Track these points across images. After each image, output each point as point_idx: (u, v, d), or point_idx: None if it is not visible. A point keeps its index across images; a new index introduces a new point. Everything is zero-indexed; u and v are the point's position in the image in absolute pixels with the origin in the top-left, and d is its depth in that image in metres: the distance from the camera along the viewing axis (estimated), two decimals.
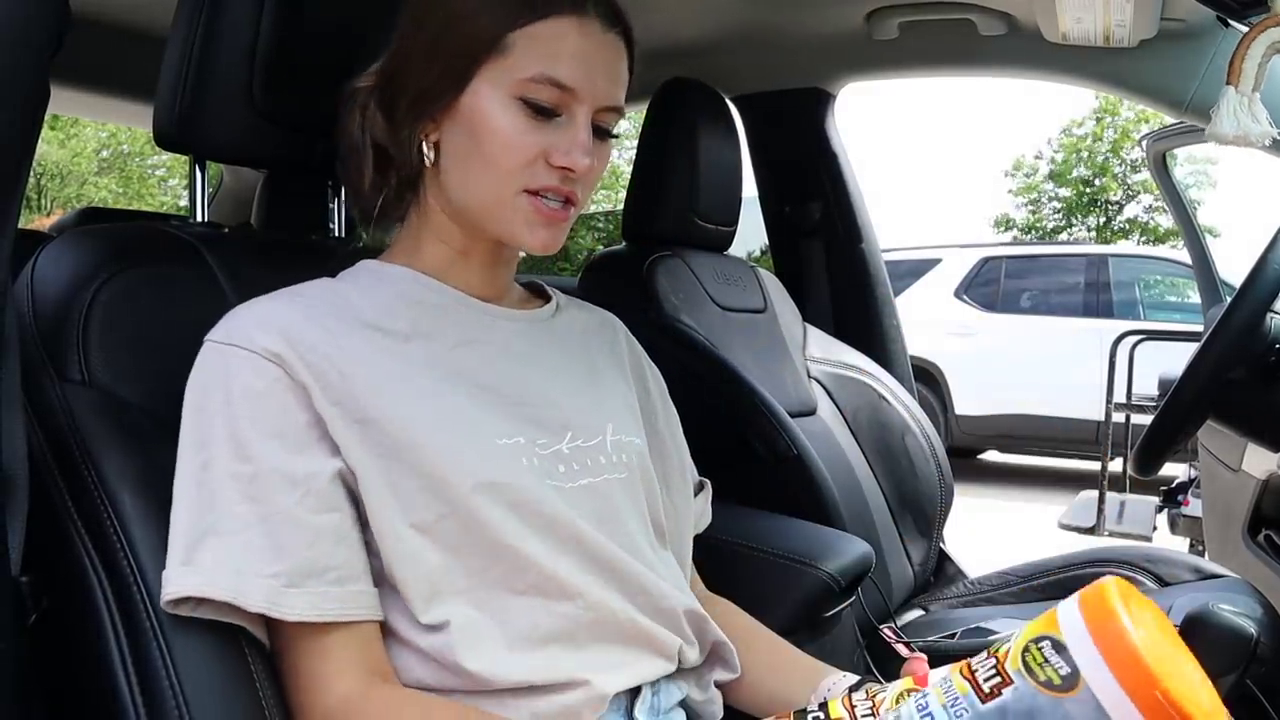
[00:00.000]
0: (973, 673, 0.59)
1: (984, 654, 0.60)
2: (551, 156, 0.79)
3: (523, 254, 0.91)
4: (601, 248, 1.93)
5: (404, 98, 0.81)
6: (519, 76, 0.78)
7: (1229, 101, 1.13)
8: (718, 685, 0.93)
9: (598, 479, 0.84)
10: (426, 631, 0.75)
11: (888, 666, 1.46)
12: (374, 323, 0.80)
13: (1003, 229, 17.93)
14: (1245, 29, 1.25)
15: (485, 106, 0.78)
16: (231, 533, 0.70)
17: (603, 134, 0.83)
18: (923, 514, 1.80)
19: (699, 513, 1.03)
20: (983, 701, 0.57)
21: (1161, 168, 2.57)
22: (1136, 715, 0.51)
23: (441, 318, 0.84)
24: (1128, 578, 1.63)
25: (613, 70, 0.81)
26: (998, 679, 0.57)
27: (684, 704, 0.90)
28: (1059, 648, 0.55)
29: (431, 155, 0.82)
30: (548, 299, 0.95)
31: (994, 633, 1.48)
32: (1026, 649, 0.56)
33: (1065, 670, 0.54)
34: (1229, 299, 1.28)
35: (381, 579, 0.76)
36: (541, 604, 0.78)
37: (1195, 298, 4.68)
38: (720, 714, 0.93)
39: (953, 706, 0.58)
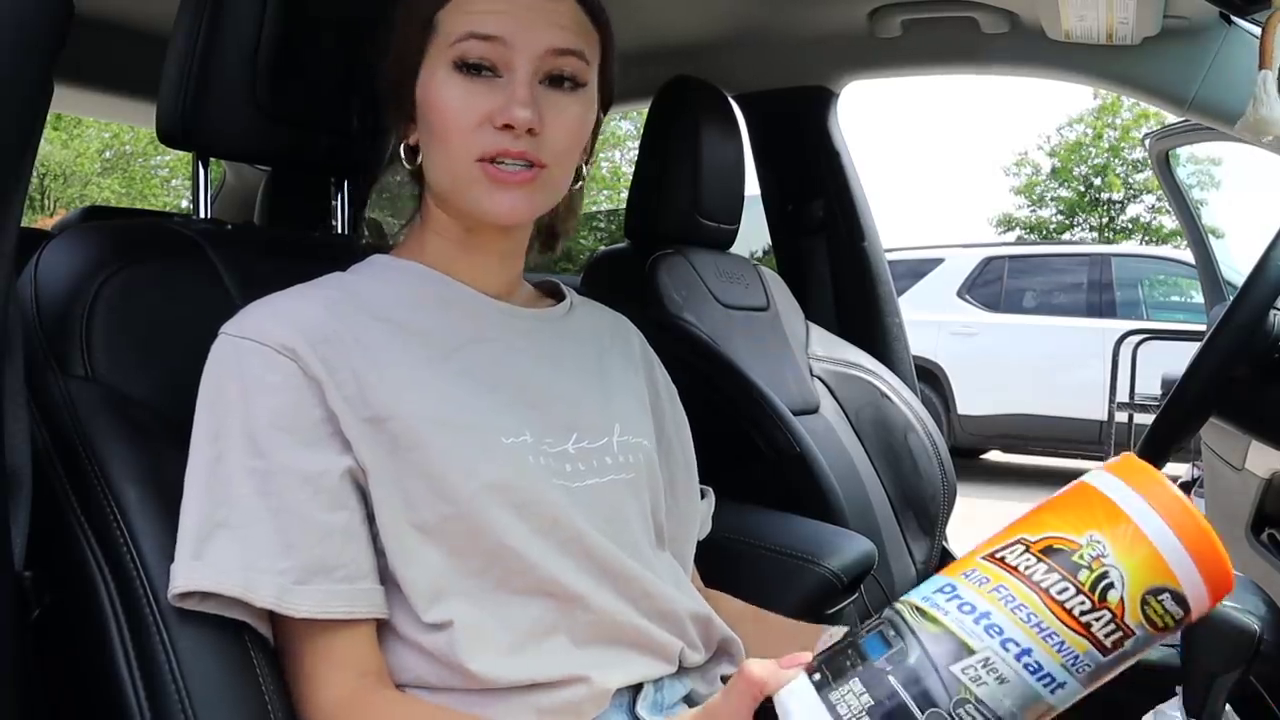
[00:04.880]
0: (1086, 628, 0.59)
1: (1083, 599, 0.59)
2: (494, 118, 0.77)
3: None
4: (603, 247, 1.93)
5: (386, 103, 0.84)
6: (448, 43, 0.78)
7: (1269, 85, 1.05)
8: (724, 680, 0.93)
9: (603, 480, 0.84)
10: (429, 630, 0.75)
11: None
12: (386, 317, 0.80)
13: (1004, 229, 17.91)
14: (1249, 27, 1.25)
15: (431, 87, 0.79)
16: (242, 526, 0.70)
17: (562, 83, 0.80)
18: (925, 512, 1.80)
19: (702, 519, 1.03)
20: (1104, 655, 0.58)
21: (1164, 167, 2.57)
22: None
23: (452, 313, 0.84)
24: None
25: (552, 14, 0.79)
26: (1119, 634, 0.58)
27: (688, 698, 0.90)
28: (1179, 599, 0.58)
29: (416, 156, 0.83)
30: (561, 298, 0.95)
31: None
32: (1146, 602, 0.58)
33: (1179, 615, 0.58)
34: (1232, 298, 1.28)
35: (387, 576, 0.76)
36: (542, 604, 0.78)
37: (1198, 297, 4.67)
38: None
39: (1074, 665, 0.59)
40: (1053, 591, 0.58)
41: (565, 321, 0.92)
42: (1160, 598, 0.57)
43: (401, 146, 0.84)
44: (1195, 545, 0.58)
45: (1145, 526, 0.58)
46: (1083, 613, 0.58)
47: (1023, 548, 0.61)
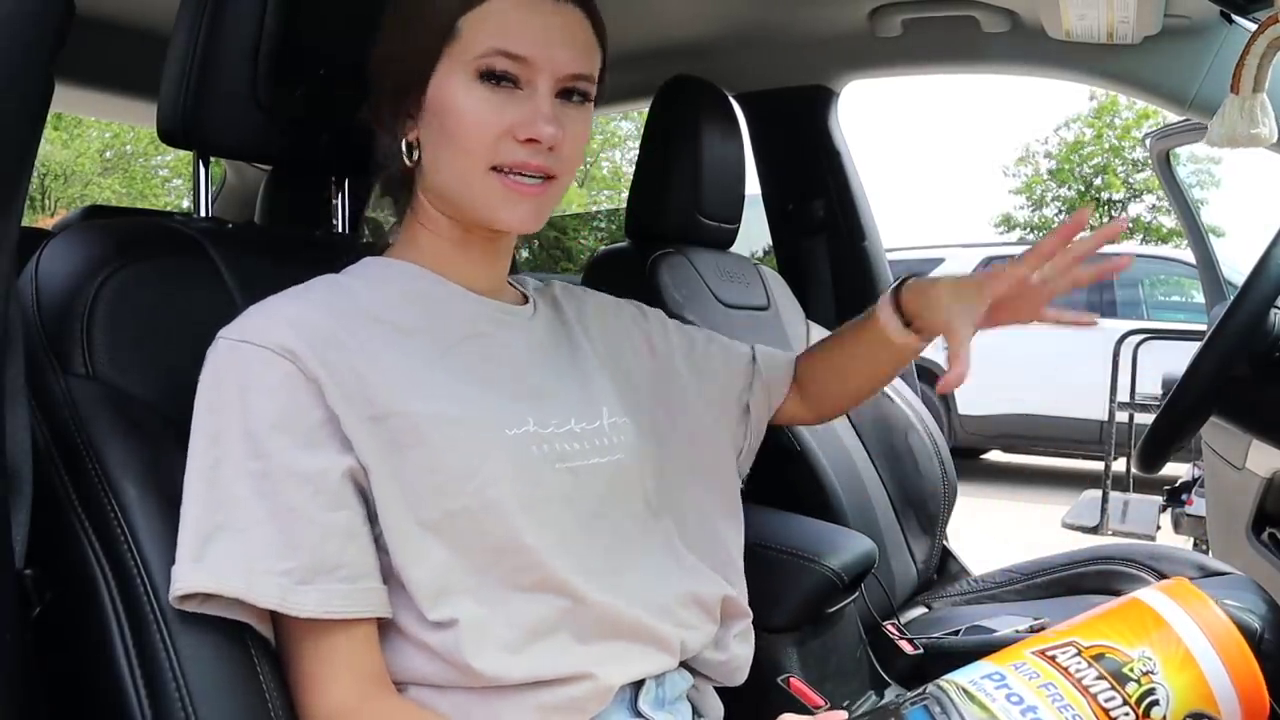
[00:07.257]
0: None
1: (1128, 710, 0.61)
2: (517, 131, 0.79)
3: (526, 254, 0.92)
4: (604, 247, 1.93)
5: (384, 100, 0.83)
6: (473, 55, 0.79)
7: (1229, 107, 1.13)
8: None
9: (603, 460, 0.85)
10: (434, 628, 0.75)
11: (891, 663, 1.46)
12: (382, 317, 0.81)
13: (1005, 229, 17.90)
14: (1250, 25, 1.25)
15: (449, 92, 0.80)
16: (243, 528, 0.70)
17: (573, 96, 0.83)
18: (926, 511, 1.80)
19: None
20: None
21: (1165, 166, 2.57)
22: None
23: (446, 312, 0.84)
24: (1131, 576, 1.63)
25: (570, 38, 0.81)
26: None
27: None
28: None
29: (417, 154, 0.84)
30: (525, 295, 0.95)
31: (995, 630, 1.48)
32: None
33: None
34: (1232, 298, 1.28)
35: (390, 575, 0.76)
36: (545, 601, 0.78)
37: (1199, 297, 4.66)
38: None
39: None
40: (1100, 698, 0.60)
41: (539, 314, 0.93)
42: None
43: (403, 144, 0.84)
44: (1241, 677, 0.60)
45: (1197, 652, 0.60)
46: None
47: (1074, 650, 0.62)
